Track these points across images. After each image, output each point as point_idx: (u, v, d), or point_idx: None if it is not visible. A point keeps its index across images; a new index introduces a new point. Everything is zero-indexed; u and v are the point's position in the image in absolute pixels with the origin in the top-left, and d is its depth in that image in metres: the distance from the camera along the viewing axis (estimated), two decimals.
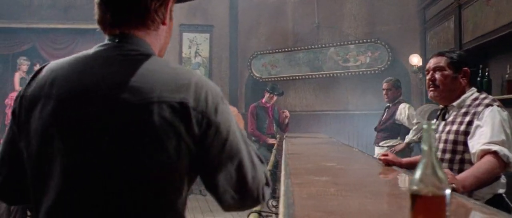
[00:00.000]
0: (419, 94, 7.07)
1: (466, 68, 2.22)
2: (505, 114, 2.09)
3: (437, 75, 2.24)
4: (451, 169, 2.09)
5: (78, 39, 8.77)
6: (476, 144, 2.02)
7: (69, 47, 8.80)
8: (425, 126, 0.92)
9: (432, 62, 2.27)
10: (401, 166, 2.52)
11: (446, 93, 2.24)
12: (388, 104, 4.95)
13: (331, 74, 7.94)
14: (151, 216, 1.04)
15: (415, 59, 6.86)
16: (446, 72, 2.22)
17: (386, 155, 2.61)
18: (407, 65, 7.21)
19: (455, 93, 2.23)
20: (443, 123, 2.26)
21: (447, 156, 2.15)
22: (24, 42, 8.70)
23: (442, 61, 2.24)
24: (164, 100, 1.02)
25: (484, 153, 1.97)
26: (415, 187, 0.93)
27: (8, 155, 1.15)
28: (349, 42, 7.79)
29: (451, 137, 2.15)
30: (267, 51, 8.32)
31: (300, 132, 6.70)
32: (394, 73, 6.80)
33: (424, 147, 0.92)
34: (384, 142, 4.90)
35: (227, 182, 1.09)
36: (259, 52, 8.40)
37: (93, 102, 1.03)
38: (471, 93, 2.21)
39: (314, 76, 8.07)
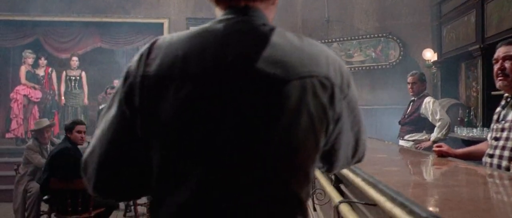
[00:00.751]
0: (432, 88, 7.08)
1: None
2: None
3: (507, 64, 2.20)
4: None
5: (83, 32, 8.64)
6: None
7: (74, 40, 8.67)
8: None
9: (501, 51, 2.24)
10: (456, 156, 2.49)
11: None
12: (413, 98, 4.92)
13: None
14: (294, 197, 1.00)
15: (429, 54, 6.86)
16: None
17: (440, 146, 2.59)
18: (418, 59, 7.21)
19: None
20: None
21: None
22: (27, 35, 8.53)
23: None
24: (315, 75, 0.98)
25: None
26: None
27: (118, 144, 1.00)
28: (360, 37, 7.77)
29: None
30: None
31: None
32: (406, 67, 6.80)
33: None
34: (409, 135, 4.86)
35: (345, 150, 1.10)
36: None
37: (239, 79, 0.95)
38: None
39: None
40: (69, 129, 4.38)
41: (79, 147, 4.46)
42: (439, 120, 4.63)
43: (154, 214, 1.01)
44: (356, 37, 7.78)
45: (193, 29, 1.05)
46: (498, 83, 2.26)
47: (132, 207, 5.50)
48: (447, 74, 6.67)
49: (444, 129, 4.62)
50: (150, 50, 1.01)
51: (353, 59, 7.84)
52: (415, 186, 1.75)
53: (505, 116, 2.27)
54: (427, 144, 4.65)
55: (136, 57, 1.02)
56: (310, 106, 0.97)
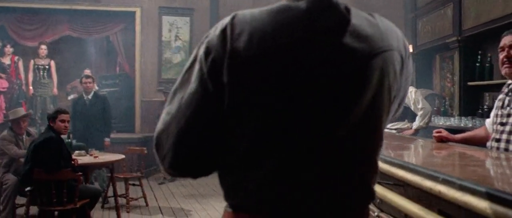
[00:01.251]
0: None
1: None
2: None
3: None
4: None
5: (49, 20, 8.31)
6: None
7: (40, 29, 8.34)
8: None
9: (507, 40, 2.33)
10: (455, 141, 2.59)
11: None
12: None
13: None
14: (373, 165, 1.05)
15: None
16: None
17: (440, 132, 2.68)
18: None
19: None
20: None
21: None
22: None
23: None
24: (392, 49, 1.02)
25: None
26: None
27: (198, 120, 0.97)
28: None
29: None
30: None
31: None
32: None
33: None
34: (391, 124, 4.99)
35: (392, 114, 1.14)
36: None
37: (328, 53, 0.96)
38: None
39: None
40: (52, 117, 4.23)
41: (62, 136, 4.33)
42: (421, 109, 4.78)
43: (234, 190, 1.00)
44: None
45: (268, 7, 1.02)
46: (504, 71, 2.35)
47: (113, 198, 5.38)
48: (422, 65, 6.87)
49: (426, 118, 4.77)
50: (232, 25, 0.98)
51: None
52: (442, 166, 1.80)
53: (510, 102, 2.37)
54: (410, 132, 4.80)
55: (216, 32, 0.97)
56: (390, 79, 1.01)
